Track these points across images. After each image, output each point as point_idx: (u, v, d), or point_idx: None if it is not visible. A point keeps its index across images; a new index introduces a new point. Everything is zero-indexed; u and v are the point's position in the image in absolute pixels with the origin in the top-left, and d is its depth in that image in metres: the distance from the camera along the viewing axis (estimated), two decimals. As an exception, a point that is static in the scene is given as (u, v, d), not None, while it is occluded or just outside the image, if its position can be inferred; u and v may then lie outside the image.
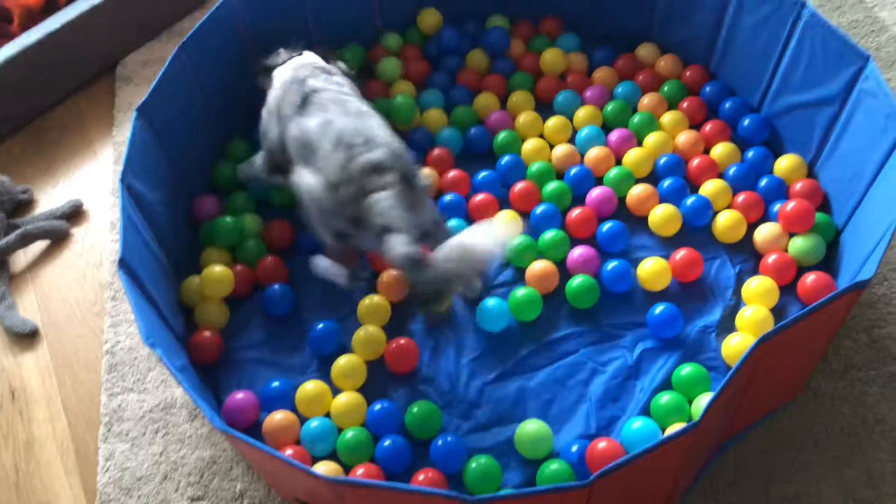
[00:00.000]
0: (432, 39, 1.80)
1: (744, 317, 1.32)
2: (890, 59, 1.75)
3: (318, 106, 1.34)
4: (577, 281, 1.38)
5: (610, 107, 1.65)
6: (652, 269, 1.39)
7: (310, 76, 1.40)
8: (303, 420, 1.27)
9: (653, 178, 1.56)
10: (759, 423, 1.25)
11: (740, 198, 1.48)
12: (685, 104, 1.64)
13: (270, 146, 1.43)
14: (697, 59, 1.70)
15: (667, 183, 1.52)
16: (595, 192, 1.51)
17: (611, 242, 1.46)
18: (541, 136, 1.64)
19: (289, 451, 1.22)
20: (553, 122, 1.64)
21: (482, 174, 1.56)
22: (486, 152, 1.62)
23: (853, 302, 1.16)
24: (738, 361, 1.02)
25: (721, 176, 1.54)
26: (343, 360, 1.31)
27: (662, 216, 1.47)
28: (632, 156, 1.56)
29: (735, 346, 1.29)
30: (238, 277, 1.41)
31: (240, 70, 1.58)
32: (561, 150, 1.59)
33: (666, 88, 1.67)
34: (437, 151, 1.59)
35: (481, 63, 1.75)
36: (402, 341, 1.34)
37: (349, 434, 1.23)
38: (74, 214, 1.64)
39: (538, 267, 1.41)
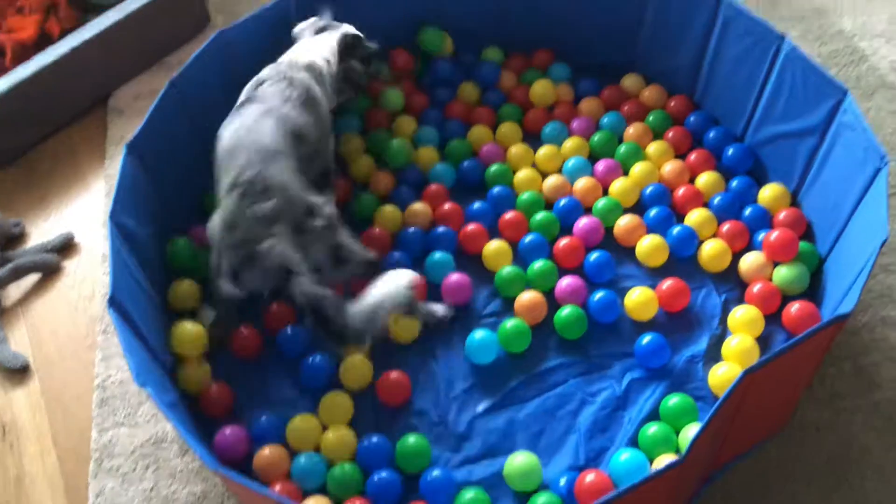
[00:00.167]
0: (427, 70, 1.82)
1: (730, 346, 1.34)
2: (870, 88, 1.78)
3: (246, 115, 1.35)
4: (565, 311, 1.40)
5: (596, 137, 1.67)
6: (639, 299, 1.41)
7: (269, 80, 1.41)
8: (293, 454, 1.27)
9: (639, 207, 1.58)
10: (747, 454, 1.26)
11: (725, 227, 1.50)
12: (670, 134, 1.66)
13: None
14: (682, 89, 1.73)
15: (653, 212, 1.54)
16: (582, 222, 1.53)
17: (598, 272, 1.47)
18: (532, 165, 1.66)
19: (279, 486, 1.22)
20: (543, 150, 1.66)
21: (475, 205, 1.57)
22: (479, 183, 1.64)
23: (835, 333, 1.18)
24: (724, 393, 1.03)
25: (706, 205, 1.56)
26: (332, 395, 1.32)
27: (649, 246, 1.48)
28: (618, 185, 1.58)
29: (722, 375, 1.31)
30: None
31: (230, 104, 1.59)
32: (551, 180, 1.61)
33: (651, 118, 1.70)
34: (432, 187, 1.61)
35: (472, 95, 1.78)
36: (394, 374, 1.34)
37: (339, 468, 1.24)
38: (66, 247, 1.65)
39: (527, 297, 1.43)
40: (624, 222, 1.52)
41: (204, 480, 1.30)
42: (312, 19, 1.61)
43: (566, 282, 1.44)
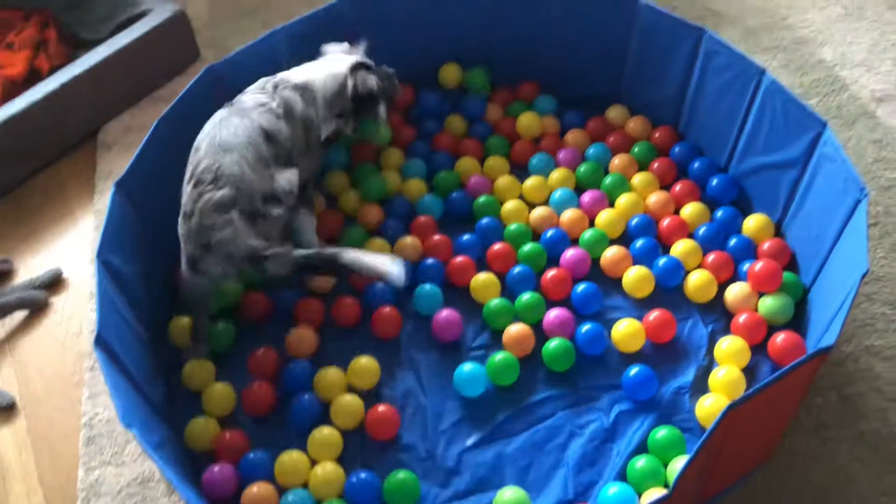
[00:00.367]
0: (414, 103, 1.84)
1: (716, 378, 1.35)
2: (851, 117, 1.81)
3: (216, 115, 1.41)
4: (553, 344, 1.40)
5: (582, 168, 1.69)
6: (626, 331, 1.42)
7: (251, 90, 1.46)
8: (282, 491, 1.26)
9: (625, 237, 1.59)
10: (734, 486, 1.26)
11: (710, 258, 1.51)
12: (655, 165, 1.68)
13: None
14: (666, 120, 1.75)
15: (639, 243, 1.55)
16: (569, 254, 1.54)
17: (585, 304, 1.48)
18: (520, 196, 1.67)
19: (267, 525, 1.22)
20: (530, 181, 1.67)
21: (464, 237, 1.58)
22: (467, 215, 1.65)
23: (818, 366, 1.19)
24: (710, 426, 1.04)
25: (691, 235, 1.57)
26: (321, 432, 1.32)
27: (636, 277, 1.49)
28: (604, 217, 1.60)
29: (709, 407, 1.31)
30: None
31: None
32: (538, 211, 1.63)
33: (636, 149, 1.72)
34: (421, 219, 1.62)
35: (459, 127, 1.79)
36: (382, 408, 1.34)
37: (327, 506, 1.23)
38: (54, 283, 1.65)
39: (515, 330, 1.43)
40: (610, 253, 1.54)
41: (191, 519, 1.29)
42: (344, 45, 1.63)
43: (554, 314, 1.45)
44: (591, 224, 1.61)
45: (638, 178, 1.66)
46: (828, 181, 1.38)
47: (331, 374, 1.38)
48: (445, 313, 1.45)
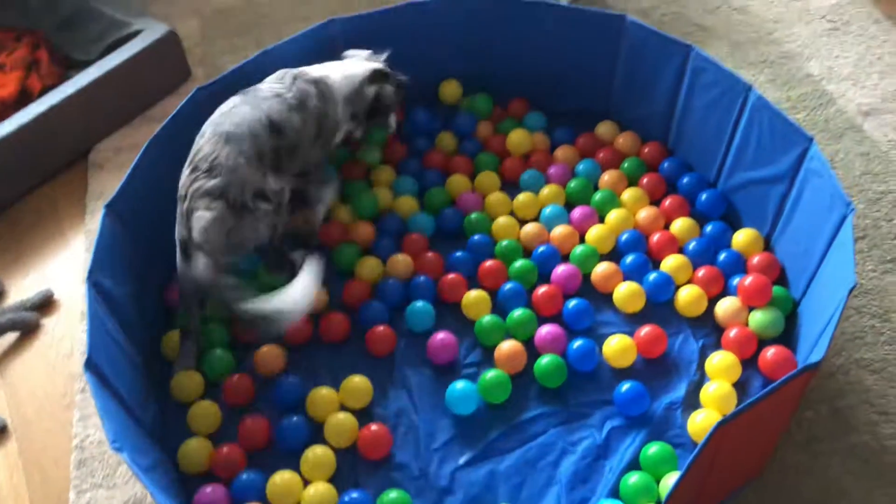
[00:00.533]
0: (404, 120, 1.85)
1: (708, 393, 1.35)
2: (838, 131, 1.82)
3: (228, 102, 1.43)
4: (545, 360, 1.41)
5: (572, 184, 1.70)
6: (617, 347, 1.42)
7: (270, 80, 1.48)
8: (274, 512, 1.26)
9: (615, 253, 1.60)
10: (726, 501, 1.26)
11: (700, 272, 1.52)
12: (645, 180, 1.69)
13: None
14: (655, 136, 1.76)
15: (629, 259, 1.56)
16: (560, 270, 1.55)
17: (577, 320, 1.48)
18: (510, 213, 1.68)
19: (259, 547, 1.21)
20: (521, 197, 1.68)
21: (456, 254, 1.59)
22: (458, 231, 1.66)
23: (808, 381, 1.19)
24: (700, 443, 1.04)
25: (681, 251, 1.58)
26: (313, 451, 1.31)
27: (626, 293, 1.50)
28: (594, 232, 1.61)
29: (700, 422, 1.31)
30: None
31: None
32: (529, 228, 1.63)
33: (626, 165, 1.73)
34: (412, 236, 1.62)
35: (450, 144, 1.80)
36: (374, 427, 1.34)
37: (320, 527, 1.23)
38: (45, 305, 1.64)
39: (507, 347, 1.43)
40: (601, 269, 1.54)
41: (183, 542, 1.29)
42: (367, 52, 1.66)
43: (545, 330, 1.45)
44: (582, 240, 1.62)
45: (628, 194, 1.67)
46: (815, 196, 1.39)
47: (323, 394, 1.38)
48: (441, 336, 1.45)
